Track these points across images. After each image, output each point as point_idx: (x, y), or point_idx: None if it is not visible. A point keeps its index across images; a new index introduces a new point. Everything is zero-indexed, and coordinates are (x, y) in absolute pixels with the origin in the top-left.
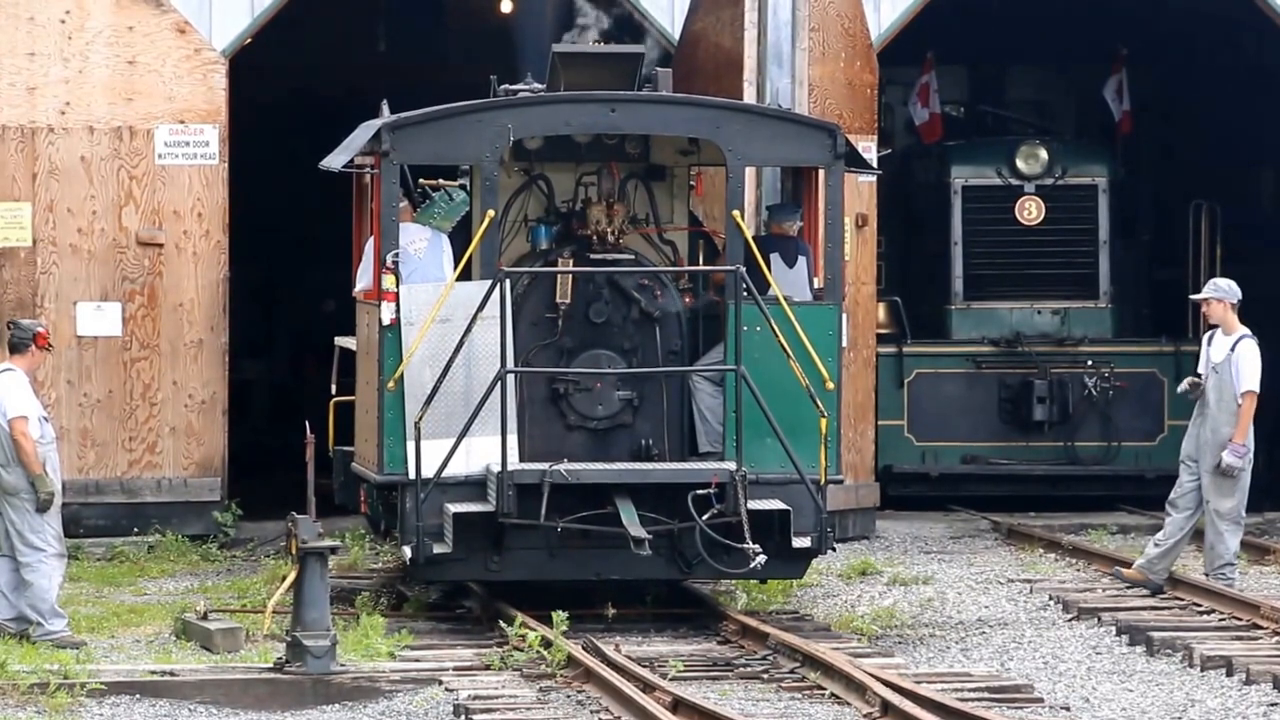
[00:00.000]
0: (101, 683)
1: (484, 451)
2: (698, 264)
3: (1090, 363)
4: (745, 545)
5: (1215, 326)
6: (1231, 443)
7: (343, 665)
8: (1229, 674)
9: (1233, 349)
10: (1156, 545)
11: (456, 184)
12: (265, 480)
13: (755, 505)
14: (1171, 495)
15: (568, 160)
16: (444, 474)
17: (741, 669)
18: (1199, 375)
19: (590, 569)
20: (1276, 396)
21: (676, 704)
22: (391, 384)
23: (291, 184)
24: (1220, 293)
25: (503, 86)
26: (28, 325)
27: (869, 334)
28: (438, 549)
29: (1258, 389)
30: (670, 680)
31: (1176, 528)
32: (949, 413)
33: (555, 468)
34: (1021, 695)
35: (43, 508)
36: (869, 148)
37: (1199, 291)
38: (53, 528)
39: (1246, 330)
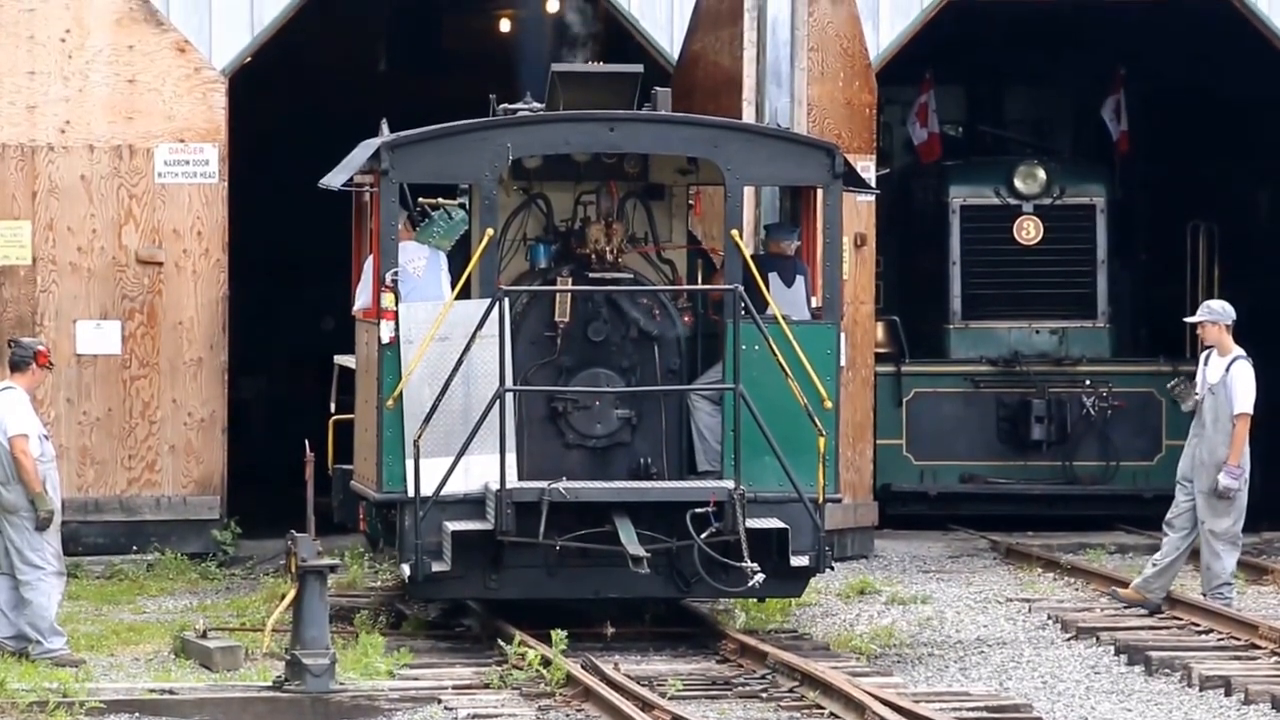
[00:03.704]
0: (101, 701)
1: (483, 470)
2: (696, 283)
3: (1088, 382)
4: (743, 564)
5: (1211, 347)
6: (1227, 464)
7: (342, 684)
8: (1227, 694)
9: (1228, 370)
10: (1154, 565)
11: (456, 203)
12: (264, 495)
13: (753, 524)
14: (1168, 515)
15: (567, 179)
16: (443, 492)
17: (740, 688)
18: (1191, 382)
19: (589, 587)
20: (1275, 415)
21: None
22: (390, 402)
23: (291, 202)
24: (1214, 315)
25: (502, 106)
26: (29, 344)
27: (867, 353)
28: (436, 567)
29: (1251, 411)
30: (669, 699)
31: (1173, 547)
32: (947, 432)
33: (554, 486)
34: (1020, 714)
35: (42, 526)
36: (867, 167)
37: (1196, 311)
38: (52, 546)
39: (1241, 351)
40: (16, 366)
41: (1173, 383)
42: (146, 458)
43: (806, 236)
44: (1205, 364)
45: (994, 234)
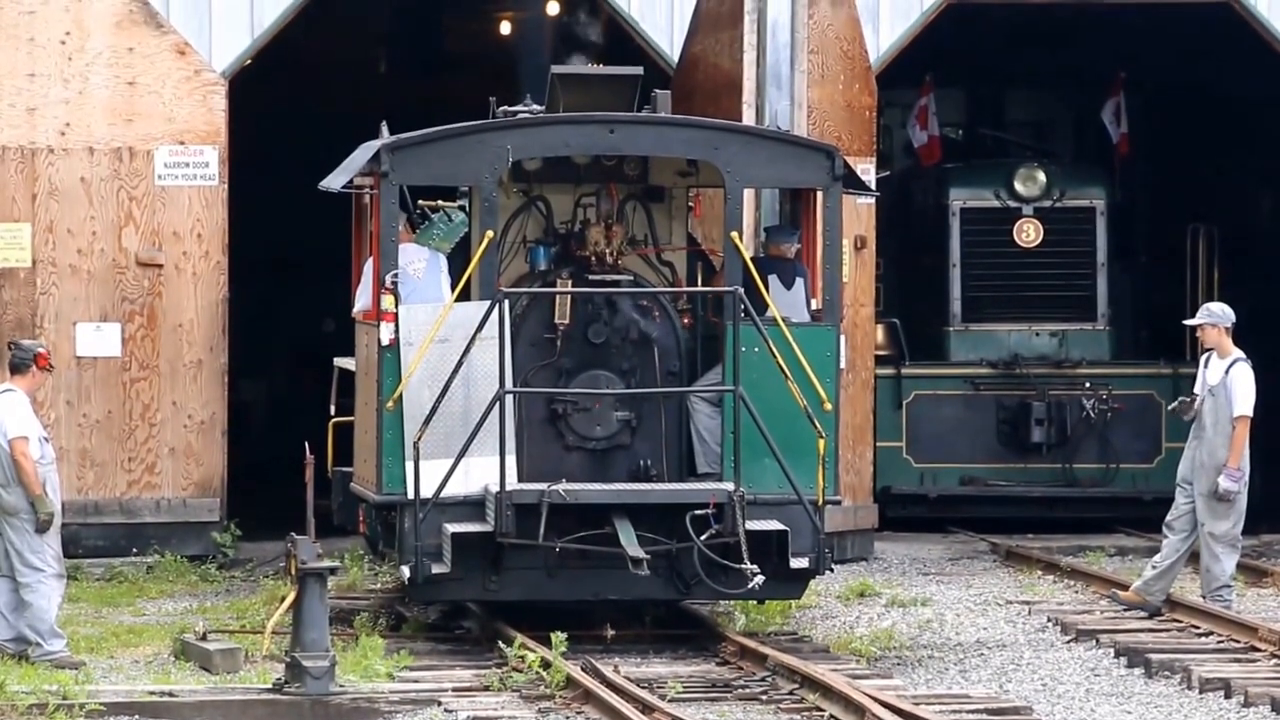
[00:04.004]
0: (100, 703)
1: (482, 471)
2: (696, 285)
3: (1088, 385)
4: (743, 566)
5: (1211, 350)
6: (1226, 467)
7: (341, 686)
8: (1227, 696)
9: (1227, 372)
10: (1154, 568)
11: (455, 205)
12: (264, 497)
13: (753, 526)
14: (1168, 517)
15: (566, 181)
16: (442, 494)
17: (740, 690)
18: (1192, 396)
19: (589, 589)
20: (1275, 417)
21: None
22: (390, 404)
23: (291, 204)
24: (1214, 318)
25: (502, 108)
26: (29, 346)
27: (867, 356)
28: (436, 569)
29: (1250, 414)
30: (669, 701)
31: (1173, 550)
32: (947, 434)
33: (553, 488)
34: (1020, 717)
35: (42, 528)
36: (868, 170)
37: (1196, 314)
38: (52, 548)
39: (1241, 354)
40: (16, 369)
41: (1172, 405)
42: (146, 460)
43: (806, 239)
44: (1205, 366)
45: (994, 236)
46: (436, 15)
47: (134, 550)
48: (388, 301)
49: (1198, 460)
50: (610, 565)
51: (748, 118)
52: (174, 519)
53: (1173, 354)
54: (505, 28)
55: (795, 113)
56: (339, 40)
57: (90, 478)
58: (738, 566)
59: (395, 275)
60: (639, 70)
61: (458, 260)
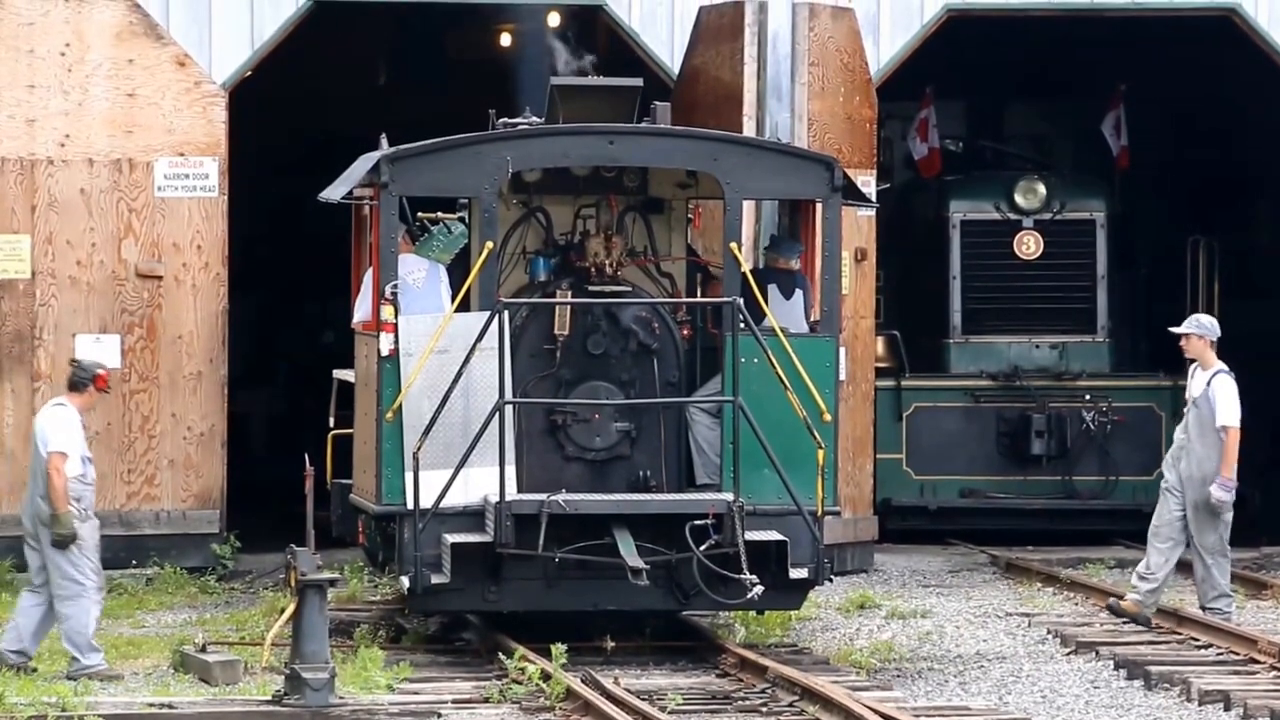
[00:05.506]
0: (100, 715)
1: (482, 482)
2: (695, 296)
3: (1088, 397)
4: (742, 576)
5: (1195, 360)
6: (1220, 477)
7: (341, 698)
8: (1227, 708)
9: (1209, 384)
10: (1145, 580)
11: (455, 217)
12: (264, 509)
13: (752, 536)
14: (1153, 524)
15: (566, 193)
16: (442, 504)
17: (740, 702)
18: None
19: (588, 599)
20: (1273, 430)
21: None
22: (390, 415)
23: (291, 216)
24: (1201, 329)
25: (501, 119)
26: (90, 365)
27: (868, 368)
28: (435, 579)
29: (1237, 424)
30: (669, 713)
31: (1163, 559)
32: (947, 446)
33: (553, 498)
34: None
35: (59, 545)
36: (868, 182)
37: (1184, 323)
38: (91, 561)
39: (1223, 366)
40: (74, 386)
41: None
42: (146, 472)
43: (806, 251)
44: (1191, 377)
45: (994, 249)
46: (437, 27)
47: (133, 562)
48: (387, 312)
49: (1185, 472)
50: (610, 576)
51: (748, 130)
52: (173, 531)
53: (1172, 366)
54: (505, 39)
55: (796, 125)
56: (340, 53)
57: None
58: (737, 577)
59: (395, 286)
60: (638, 81)
61: (458, 271)
